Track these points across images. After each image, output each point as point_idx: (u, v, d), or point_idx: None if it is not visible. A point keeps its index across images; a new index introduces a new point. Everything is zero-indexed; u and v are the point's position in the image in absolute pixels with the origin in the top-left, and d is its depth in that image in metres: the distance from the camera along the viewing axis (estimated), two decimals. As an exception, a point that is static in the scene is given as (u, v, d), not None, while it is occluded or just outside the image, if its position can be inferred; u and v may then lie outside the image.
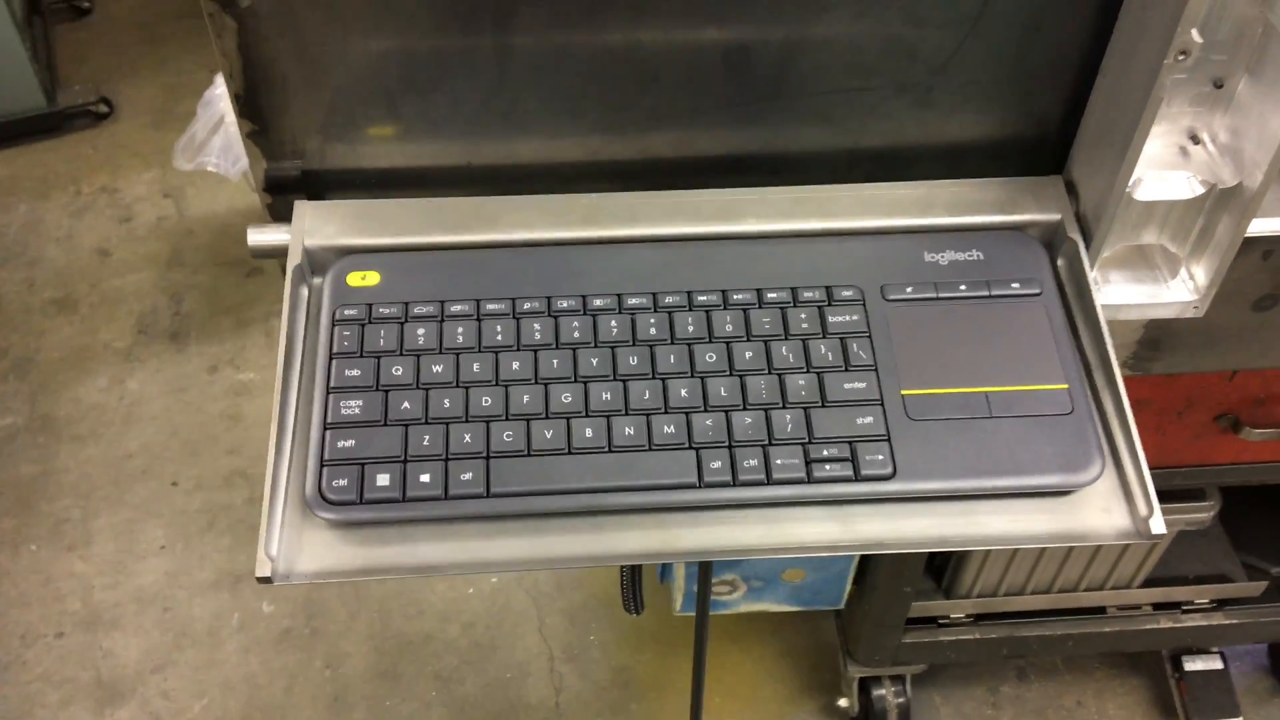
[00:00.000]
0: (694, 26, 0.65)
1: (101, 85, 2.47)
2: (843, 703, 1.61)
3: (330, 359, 0.65)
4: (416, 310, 0.67)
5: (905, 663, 1.54)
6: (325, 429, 0.63)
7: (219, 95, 1.91)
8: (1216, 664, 1.61)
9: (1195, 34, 0.58)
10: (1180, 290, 0.71)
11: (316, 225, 0.69)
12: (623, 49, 0.65)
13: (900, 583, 1.34)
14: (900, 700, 1.56)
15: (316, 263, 0.69)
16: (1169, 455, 1.21)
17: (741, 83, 0.68)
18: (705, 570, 0.84)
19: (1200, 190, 0.67)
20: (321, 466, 0.62)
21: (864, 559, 1.34)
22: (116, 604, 1.70)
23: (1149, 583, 1.44)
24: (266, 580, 0.59)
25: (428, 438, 0.63)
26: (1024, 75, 0.68)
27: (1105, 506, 0.62)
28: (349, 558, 0.61)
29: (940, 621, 1.47)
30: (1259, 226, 0.72)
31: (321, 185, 0.71)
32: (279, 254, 0.69)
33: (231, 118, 1.83)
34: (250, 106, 0.66)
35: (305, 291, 0.69)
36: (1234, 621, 1.47)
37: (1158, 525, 0.60)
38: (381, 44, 0.64)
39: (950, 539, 0.62)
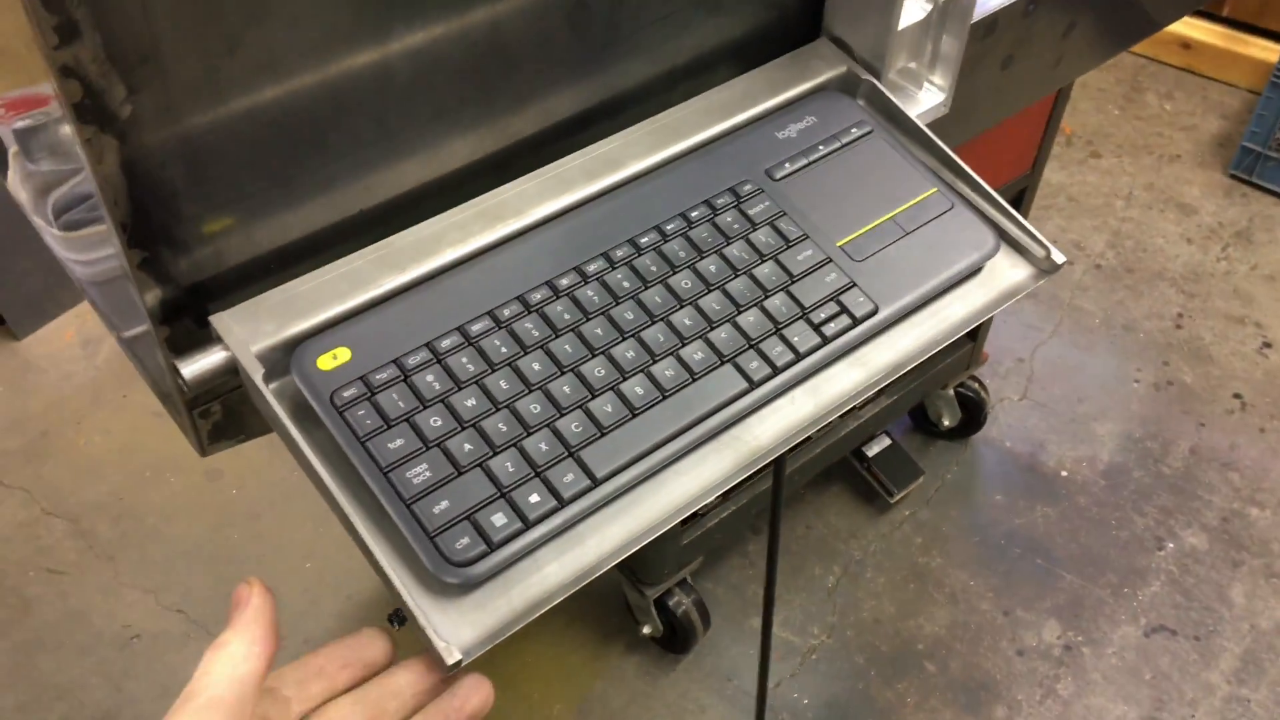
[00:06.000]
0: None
1: None
2: (646, 630, 1.69)
3: (362, 442, 0.60)
4: (410, 361, 0.63)
5: (687, 563, 1.66)
6: (409, 505, 0.58)
7: None
8: (887, 442, 1.90)
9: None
10: (933, 98, 0.86)
11: (248, 329, 0.62)
12: (486, 33, 0.66)
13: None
14: (693, 597, 1.67)
15: (273, 364, 0.63)
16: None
17: (581, 38, 0.71)
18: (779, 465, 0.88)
19: (929, 8, 0.82)
20: (432, 538, 0.58)
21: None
22: None
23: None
24: (458, 664, 0.55)
25: (510, 464, 0.61)
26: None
27: (1012, 264, 0.76)
28: (501, 610, 0.58)
29: (699, 513, 1.60)
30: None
31: (219, 291, 0.64)
32: (225, 374, 0.61)
33: None
34: (139, 231, 0.58)
35: (275, 398, 0.62)
36: (888, 402, 1.76)
37: (1058, 256, 0.74)
38: (265, 104, 0.59)
39: (938, 337, 0.72)
